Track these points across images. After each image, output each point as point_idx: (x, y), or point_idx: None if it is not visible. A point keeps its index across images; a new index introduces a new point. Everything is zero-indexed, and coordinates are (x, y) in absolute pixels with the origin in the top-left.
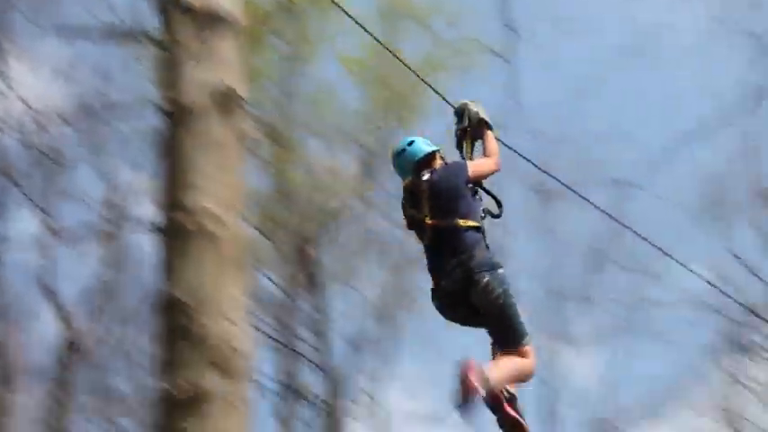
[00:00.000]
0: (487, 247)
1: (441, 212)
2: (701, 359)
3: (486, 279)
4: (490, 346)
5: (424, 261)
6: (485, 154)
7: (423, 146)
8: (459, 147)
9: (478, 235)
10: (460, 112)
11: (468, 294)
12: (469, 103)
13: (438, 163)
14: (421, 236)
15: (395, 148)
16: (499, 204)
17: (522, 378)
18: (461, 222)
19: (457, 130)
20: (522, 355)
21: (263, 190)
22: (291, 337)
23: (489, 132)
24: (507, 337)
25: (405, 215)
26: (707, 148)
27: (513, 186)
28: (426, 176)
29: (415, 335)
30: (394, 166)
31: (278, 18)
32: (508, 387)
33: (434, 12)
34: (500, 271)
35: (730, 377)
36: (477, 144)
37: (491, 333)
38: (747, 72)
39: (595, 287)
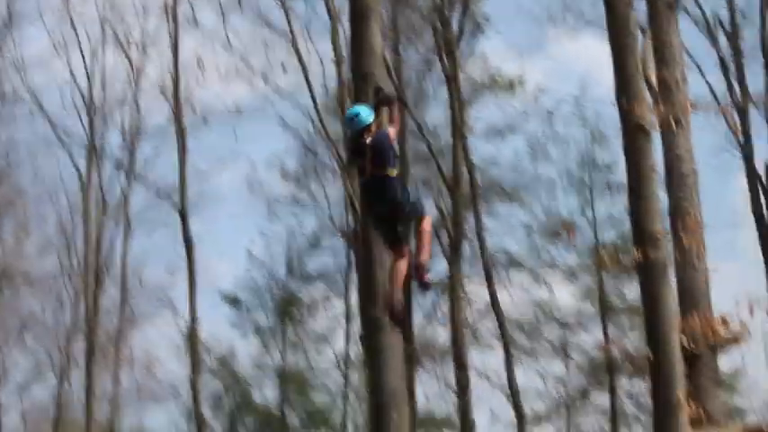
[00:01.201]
0: (403, 185)
1: (377, 165)
2: None
3: (406, 207)
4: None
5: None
6: (392, 121)
7: (366, 117)
8: (376, 114)
9: (397, 180)
10: (377, 90)
11: (388, 214)
12: (385, 89)
13: (373, 129)
14: (362, 175)
15: (346, 115)
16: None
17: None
18: (389, 172)
19: (375, 103)
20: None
21: None
22: None
23: (395, 106)
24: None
25: (349, 160)
26: None
27: None
28: (368, 140)
29: None
30: (345, 126)
31: None
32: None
33: None
34: (412, 203)
35: None
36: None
37: (389, 236)
38: None
39: None
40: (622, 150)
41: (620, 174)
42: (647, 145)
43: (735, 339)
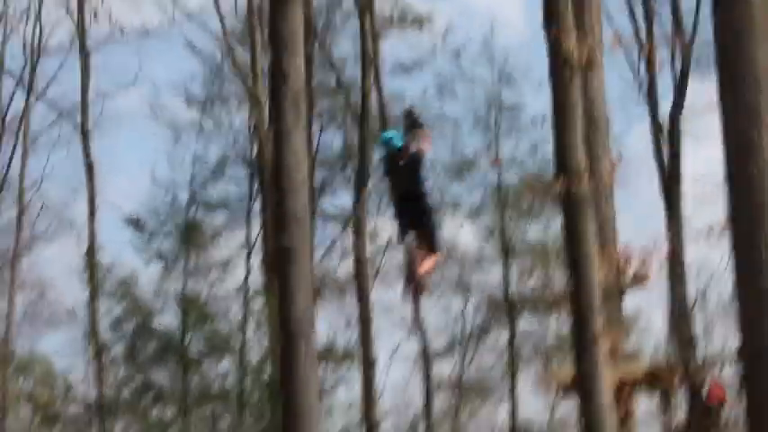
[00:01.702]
0: (426, 196)
1: (411, 182)
2: None
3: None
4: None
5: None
6: (422, 143)
7: (398, 141)
8: (405, 134)
9: (426, 194)
10: (407, 114)
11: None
12: (413, 107)
13: (406, 151)
14: (395, 189)
15: (381, 138)
16: None
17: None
18: (421, 188)
19: (405, 126)
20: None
21: None
22: None
23: (423, 129)
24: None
25: (385, 175)
26: None
27: None
28: (402, 162)
29: None
30: (380, 147)
31: None
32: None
33: None
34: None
35: None
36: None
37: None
38: None
39: None
40: (548, 82)
41: (527, 116)
42: (573, 79)
43: (638, 281)
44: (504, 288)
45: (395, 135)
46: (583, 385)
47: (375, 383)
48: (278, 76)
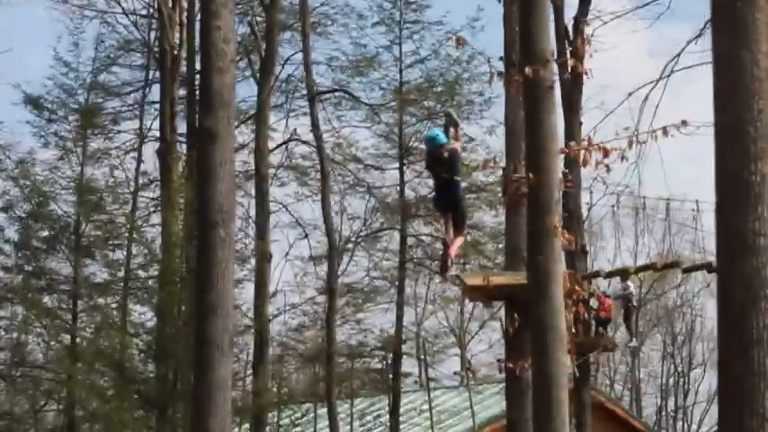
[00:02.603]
0: (460, 186)
1: (450, 171)
2: None
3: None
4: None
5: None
6: (456, 138)
7: (442, 139)
8: (445, 132)
9: (459, 184)
10: (447, 115)
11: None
12: (452, 110)
13: (446, 146)
14: (436, 177)
15: (427, 136)
16: None
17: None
18: (455, 178)
19: (445, 125)
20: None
21: None
22: None
23: (458, 128)
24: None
25: (428, 167)
26: None
27: None
28: (445, 154)
29: None
30: (425, 144)
31: None
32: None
33: None
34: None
35: None
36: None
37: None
38: None
39: None
40: None
41: (430, 14)
42: None
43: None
44: (400, 190)
45: (438, 134)
46: (538, 280)
47: (268, 280)
48: None
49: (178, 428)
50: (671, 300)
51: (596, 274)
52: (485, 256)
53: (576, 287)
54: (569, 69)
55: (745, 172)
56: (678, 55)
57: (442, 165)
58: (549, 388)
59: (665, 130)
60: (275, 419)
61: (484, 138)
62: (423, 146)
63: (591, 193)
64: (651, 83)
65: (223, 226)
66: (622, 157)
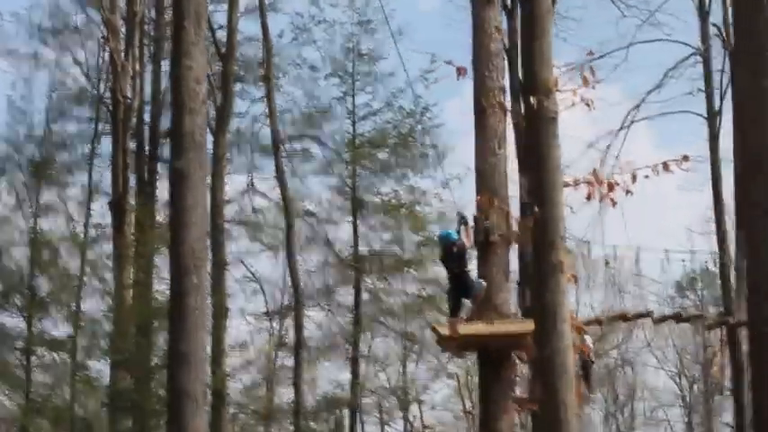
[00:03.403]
0: (470, 275)
1: (460, 264)
2: None
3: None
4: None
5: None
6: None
7: (454, 237)
8: (458, 230)
9: (469, 273)
10: (460, 215)
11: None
12: (464, 213)
13: (458, 243)
14: (450, 271)
15: (441, 234)
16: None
17: None
18: (466, 270)
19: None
20: None
21: None
22: None
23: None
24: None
25: (442, 262)
26: None
27: None
28: (455, 250)
29: None
30: (439, 241)
31: None
32: None
33: None
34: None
35: None
36: None
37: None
38: None
39: None
40: None
41: (384, 65)
42: None
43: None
44: (354, 245)
45: (450, 232)
46: (546, 312)
47: (225, 336)
48: None
49: None
50: (612, 359)
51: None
52: (441, 311)
53: (580, 327)
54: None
55: None
56: (638, 105)
57: (453, 259)
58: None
59: (665, 165)
60: None
61: (437, 191)
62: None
63: None
64: (612, 133)
65: (196, 272)
66: (627, 191)
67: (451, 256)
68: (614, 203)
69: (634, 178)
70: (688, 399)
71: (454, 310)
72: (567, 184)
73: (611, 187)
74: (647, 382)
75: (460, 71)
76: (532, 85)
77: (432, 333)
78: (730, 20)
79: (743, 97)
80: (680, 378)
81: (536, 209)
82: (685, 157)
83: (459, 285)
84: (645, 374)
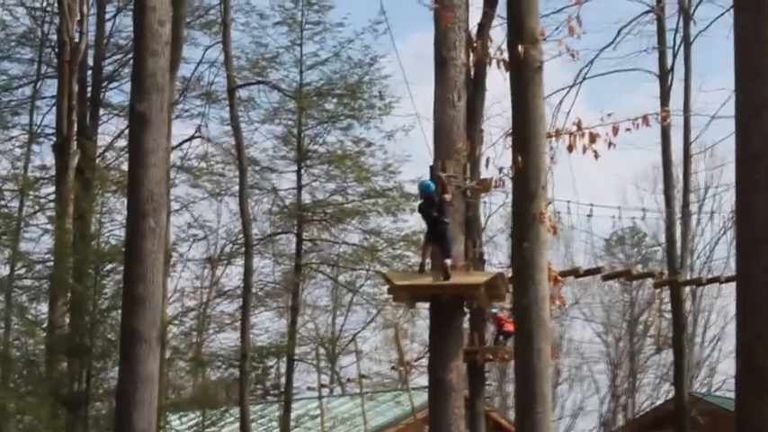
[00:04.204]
0: (448, 223)
1: (440, 212)
2: None
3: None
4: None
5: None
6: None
7: (435, 187)
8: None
9: (448, 223)
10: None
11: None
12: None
13: (437, 193)
14: (428, 220)
15: (422, 184)
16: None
17: None
18: (446, 218)
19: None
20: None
21: None
22: None
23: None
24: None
25: (420, 211)
26: None
27: None
28: (437, 199)
29: None
30: (420, 191)
31: None
32: None
33: None
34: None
35: None
36: None
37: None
38: None
39: None
40: None
41: (333, 15)
42: None
43: (483, 188)
44: (297, 194)
45: (431, 183)
46: (524, 262)
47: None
48: None
49: (90, 427)
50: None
51: None
52: (381, 261)
53: (557, 277)
54: (472, 76)
55: None
56: (591, 62)
57: (434, 206)
58: (534, 381)
59: (645, 119)
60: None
61: (383, 143)
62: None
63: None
64: (564, 89)
65: (153, 215)
66: (609, 144)
67: (432, 203)
68: (597, 155)
69: (615, 131)
70: (613, 355)
71: (423, 251)
72: (549, 135)
73: (593, 138)
74: (573, 338)
75: None
76: (519, 34)
77: (384, 282)
78: None
79: (743, 43)
80: (606, 335)
81: (519, 158)
82: (666, 112)
83: (435, 234)
84: (571, 331)
